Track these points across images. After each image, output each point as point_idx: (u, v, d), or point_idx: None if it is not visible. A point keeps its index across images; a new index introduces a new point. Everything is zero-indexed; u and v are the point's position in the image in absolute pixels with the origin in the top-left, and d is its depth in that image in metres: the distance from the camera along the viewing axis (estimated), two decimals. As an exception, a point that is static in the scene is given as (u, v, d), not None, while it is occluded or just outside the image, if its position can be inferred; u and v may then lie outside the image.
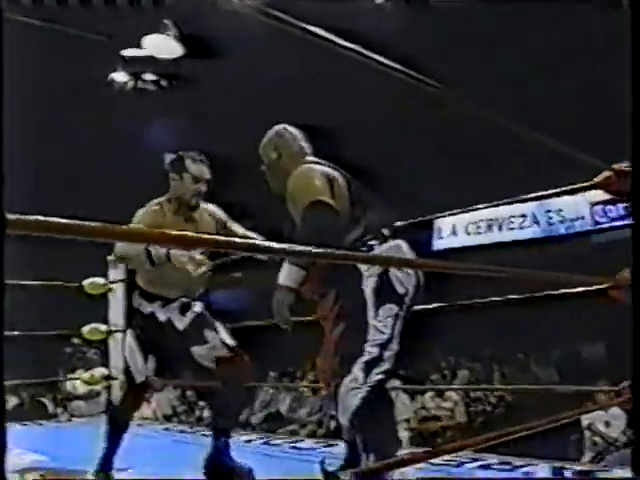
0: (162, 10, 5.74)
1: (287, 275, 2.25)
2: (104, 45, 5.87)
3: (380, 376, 2.27)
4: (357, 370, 2.26)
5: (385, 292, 2.30)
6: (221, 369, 2.90)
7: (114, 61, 6.50)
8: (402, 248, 2.44)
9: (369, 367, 2.25)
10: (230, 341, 2.96)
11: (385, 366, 2.28)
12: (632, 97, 1.55)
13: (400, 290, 2.31)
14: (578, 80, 5.68)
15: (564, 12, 5.05)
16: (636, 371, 1.63)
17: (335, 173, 2.48)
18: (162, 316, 2.93)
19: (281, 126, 2.70)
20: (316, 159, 2.59)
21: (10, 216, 0.82)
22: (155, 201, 2.99)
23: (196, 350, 2.91)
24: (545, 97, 6.19)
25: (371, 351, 2.27)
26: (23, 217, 0.87)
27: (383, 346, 2.28)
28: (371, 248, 2.37)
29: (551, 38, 5.61)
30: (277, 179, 2.61)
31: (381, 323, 2.28)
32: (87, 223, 0.98)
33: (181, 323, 2.94)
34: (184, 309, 2.97)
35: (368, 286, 2.30)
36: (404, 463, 1.87)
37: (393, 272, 2.32)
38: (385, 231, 2.45)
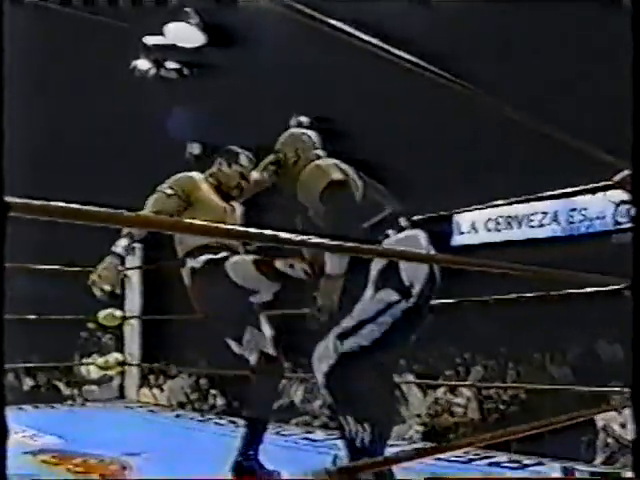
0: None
1: (334, 264, 2.28)
2: (126, 32, 5.88)
3: (351, 348, 2.26)
4: (329, 339, 2.29)
5: (389, 278, 2.29)
6: (261, 364, 2.78)
7: (136, 48, 6.51)
8: (419, 238, 2.41)
9: (340, 338, 2.28)
10: (273, 338, 2.87)
11: (360, 340, 2.27)
12: (632, 97, 1.53)
13: (405, 281, 2.30)
14: (602, 78, 5.63)
15: (570, 12, 5.03)
16: (636, 372, 1.61)
17: (348, 169, 2.48)
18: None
19: (299, 130, 2.73)
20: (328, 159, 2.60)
21: (12, 199, 0.82)
22: (195, 172, 2.99)
23: (251, 334, 2.78)
24: (569, 95, 6.14)
25: (346, 325, 2.29)
26: (25, 201, 0.86)
27: (362, 322, 2.28)
28: (387, 236, 2.36)
29: (569, 36, 5.58)
30: (289, 178, 2.63)
31: (370, 305, 2.29)
32: (92, 208, 0.97)
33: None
34: None
35: (375, 268, 2.31)
36: (411, 458, 1.86)
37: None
38: (402, 221, 2.44)
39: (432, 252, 2.46)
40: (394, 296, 2.28)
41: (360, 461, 2.17)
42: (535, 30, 5.58)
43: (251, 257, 2.72)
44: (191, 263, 2.83)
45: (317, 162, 2.52)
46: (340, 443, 2.34)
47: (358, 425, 2.25)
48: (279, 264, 2.59)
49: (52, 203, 0.93)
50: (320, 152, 2.66)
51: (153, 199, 2.84)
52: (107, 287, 2.72)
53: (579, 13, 4.99)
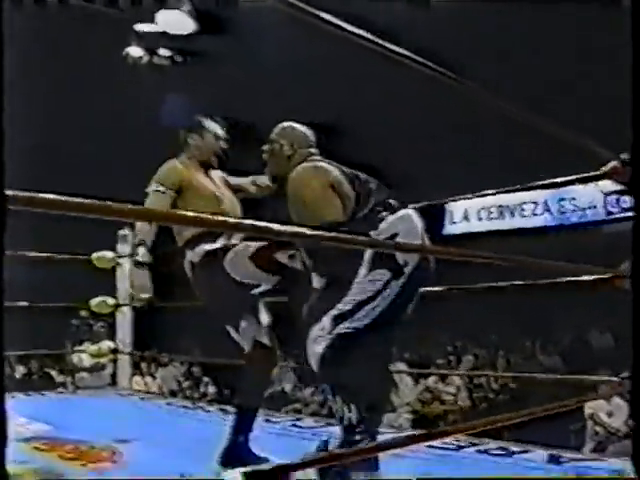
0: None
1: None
2: (118, 20, 5.85)
3: (348, 330, 2.27)
4: (325, 321, 2.29)
5: (383, 257, 2.29)
6: (255, 353, 2.77)
7: (129, 36, 6.49)
8: (412, 217, 2.41)
9: (337, 320, 2.28)
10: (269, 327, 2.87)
11: (356, 322, 2.28)
12: (632, 97, 1.54)
13: (400, 259, 2.30)
14: (602, 78, 5.64)
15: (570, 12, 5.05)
16: (636, 361, 1.62)
17: (339, 174, 2.46)
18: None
19: (291, 124, 2.70)
20: (321, 158, 2.58)
21: (10, 192, 0.82)
22: (174, 160, 2.97)
23: (247, 323, 2.77)
24: (570, 95, 6.15)
25: (343, 307, 2.29)
26: (23, 193, 0.87)
27: (359, 304, 2.28)
28: (382, 219, 2.37)
29: (569, 36, 5.61)
30: (280, 169, 2.63)
31: (365, 285, 2.29)
32: (89, 201, 0.97)
33: None
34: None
35: (369, 250, 2.32)
36: (400, 445, 1.87)
37: (398, 240, 2.32)
38: (393, 202, 2.44)
39: (425, 231, 2.45)
40: (387, 275, 2.29)
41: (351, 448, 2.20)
42: (535, 30, 5.59)
43: (248, 250, 2.70)
44: (190, 256, 2.83)
45: (309, 176, 2.47)
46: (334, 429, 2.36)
47: (345, 405, 2.28)
48: (279, 255, 2.59)
49: (49, 195, 0.93)
50: (314, 150, 2.64)
51: (149, 201, 2.84)
52: (145, 296, 2.77)
53: (579, 13, 5.00)
